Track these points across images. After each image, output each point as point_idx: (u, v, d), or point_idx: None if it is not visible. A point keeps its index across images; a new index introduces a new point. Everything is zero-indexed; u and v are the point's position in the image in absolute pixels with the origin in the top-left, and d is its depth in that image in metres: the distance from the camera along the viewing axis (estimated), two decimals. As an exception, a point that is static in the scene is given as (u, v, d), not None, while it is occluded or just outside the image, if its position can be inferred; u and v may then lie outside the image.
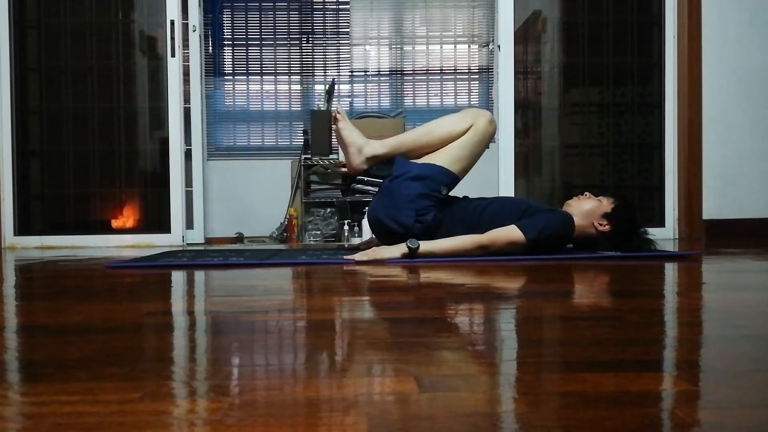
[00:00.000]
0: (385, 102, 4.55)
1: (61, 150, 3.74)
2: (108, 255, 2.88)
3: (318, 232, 4.05)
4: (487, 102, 4.53)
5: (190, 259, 2.32)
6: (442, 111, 4.54)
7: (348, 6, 4.51)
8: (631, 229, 2.35)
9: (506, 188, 3.66)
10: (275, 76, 4.50)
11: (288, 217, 4.08)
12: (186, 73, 3.99)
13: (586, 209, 2.35)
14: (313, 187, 4.11)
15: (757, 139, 3.62)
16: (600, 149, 3.91)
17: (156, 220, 3.77)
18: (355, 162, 2.36)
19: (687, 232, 3.63)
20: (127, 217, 3.82)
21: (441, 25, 4.56)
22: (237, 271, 2.02)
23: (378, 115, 4.31)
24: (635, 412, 0.62)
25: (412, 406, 0.64)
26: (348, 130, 2.36)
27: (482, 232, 2.22)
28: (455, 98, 4.56)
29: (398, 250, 2.18)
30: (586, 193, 2.42)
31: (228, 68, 4.50)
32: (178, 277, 1.94)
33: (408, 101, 4.55)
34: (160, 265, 2.21)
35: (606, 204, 2.35)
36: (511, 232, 2.19)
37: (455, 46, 4.56)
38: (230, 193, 4.32)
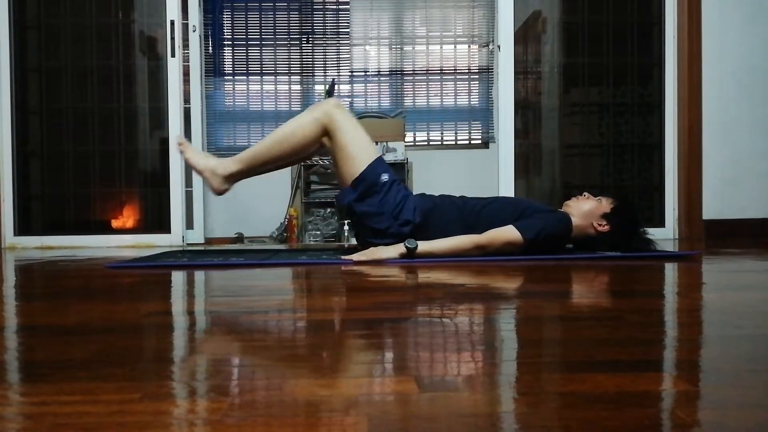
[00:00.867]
0: (385, 102, 4.55)
1: (61, 150, 3.74)
2: (108, 255, 2.88)
3: (318, 232, 4.05)
4: (487, 102, 4.53)
5: (190, 260, 2.32)
6: (442, 111, 4.54)
7: (348, 6, 4.51)
8: (630, 229, 2.35)
9: (506, 188, 3.66)
10: (275, 76, 4.51)
11: (288, 217, 4.08)
12: (186, 73, 3.99)
13: (585, 209, 2.35)
14: (313, 187, 4.11)
15: (757, 139, 3.63)
16: (600, 149, 3.91)
17: (156, 220, 3.77)
18: (215, 185, 2.31)
19: (687, 232, 3.63)
20: (127, 217, 3.82)
21: (441, 25, 4.56)
22: (237, 271, 2.01)
23: (378, 115, 4.31)
24: (635, 412, 0.62)
25: (412, 406, 0.64)
26: (196, 157, 2.32)
27: (480, 232, 2.22)
28: (455, 98, 4.56)
29: (396, 250, 2.19)
30: (585, 193, 2.42)
31: (228, 68, 4.50)
32: (178, 278, 1.94)
33: (408, 101, 4.55)
34: (160, 266, 2.21)
35: (605, 204, 2.35)
36: (508, 233, 2.20)
37: (455, 46, 4.56)
38: (230, 193, 4.31)
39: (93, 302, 1.42)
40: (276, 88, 4.52)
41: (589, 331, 1.00)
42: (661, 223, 3.71)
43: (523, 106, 4.18)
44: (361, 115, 4.30)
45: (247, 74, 4.51)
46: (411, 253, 2.16)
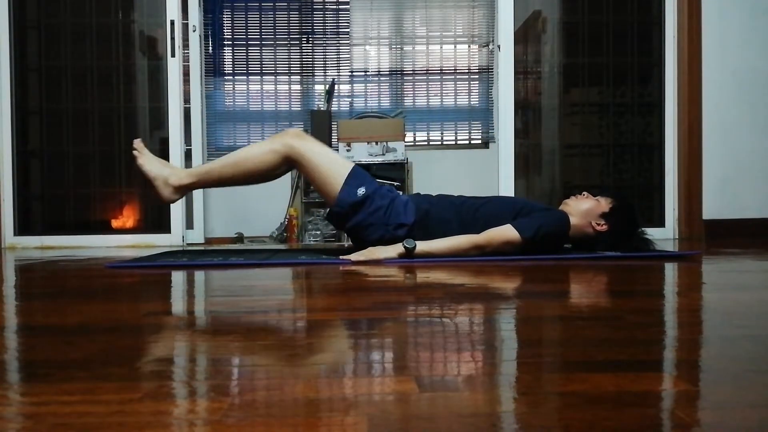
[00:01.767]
0: (385, 102, 4.55)
1: (61, 150, 3.74)
2: (108, 255, 2.88)
3: (318, 232, 4.05)
4: (487, 102, 4.53)
5: (190, 259, 2.32)
6: (442, 111, 4.54)
7: (348, 6, 4.51)
8: (628, 229, 2.35)
9: (506, 188, 3.66)
10: (275, 76, 4.50)
11: (288, 217, 4.08)
12: (186, 73, 3.99)
13: (583, 209, 2.35)
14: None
15: (756, 139, 3.62)
16: (600, 149, 3.91)
17: (156, 220, 3.77)
18: (165, 194, 2.30)
19: (687, 232, 3.63)
20: (127, 217, 3.82)
21: (441, 25, 4.56)
22: (237, 271, 2.02)
23: (378, 115, 4.31)
24: (635, 412, 0.62)
25: (412, 406, 0.64)
26: (149, 163, 2.31)
27: (478, 231, 2.22)
28: (455, 98, 4.56)
29: (395, 250, 2.19)
30: (584, 192, 2.42)
31: (228, 68, 4.49)
32: (178, 277, 1.94)
33: (408, 101, 4.55)
34: (160, 265, 2.21)
35: (604, 204, 2.35)
36: (506, 232, 2.20)
37: (455, 46, 4.56)
38: (230, 193, 4.32)
39: (93, 302, 1.42)
40: (276, 88, 4.51)
41: (589, 331, 1.00)
42: (661, 223, 3.71)
43: (523, 106, 4.18)
44: (361, 115, 4.30)
45: (247, 74, 4.50)
46: (409, 253, 2.16)
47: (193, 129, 4.12)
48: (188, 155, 3.96)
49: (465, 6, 4.54)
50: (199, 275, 1.98)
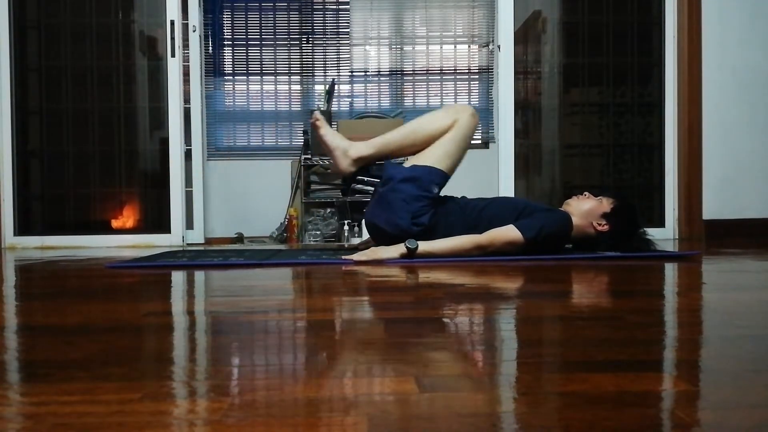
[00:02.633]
0: (385, 102, 4.55)
1: (61, 150, 3.74)
2: (108, 255, 2.88)
3: (318, 232, 4.05)
4: (487, 102, 4.53)
5: (190, 260, 2.32)
6: (442, 111, 4.54)
7: (348, 6, 4.51)
8: (630, 229, 2.35)
9: (506, 188, 3.66)
10: (275, 76, 4.50)
11: (288, 217, 4.08)
12: (186, 73, 3.98)
13: (585, 209, 2.35)
14: (313, 187, 4.11)
15: (756, 139, 3.62)
16: (600, 149, 3.91)
17: (156, 220, 3.77)
18: (342, 165, 2.36)
19: (687, 232, 3.63)
20: (127, 218, 3.82)
21: (441, 26, 4.56)
22: (237, 271, 2.02)
23: (378, 115, 4.31)
24: (635, 412, 0.62)
25: (412, 406, 0.64)
26: (330, 135, 2.36)
27: (481, 232, 2.22)
28: (455, 98, 4.56)
29: (397, 250, 2.19)
30: (586, 192, 2.42)
31: (228, 68, 4.49)
32: (178, 278, 1.94)
33: (408, 101, 4.55)
34: (160, 266, 2.21)
35: (605, 204, 2.35)
36: (509, 232, 2.20)
37: (455, 47, 4.56)
38: (230, 193, 4.32)
39: (93, 302, 1.42)
40: (276, 88, 4.51)
41: (589, 331, 1.00)
42: (661, 223, 3.71)
43: (523, 106, 4.17)
44: (361, 115, 4.30)
45: (247, 74, 4.50)
46: (411, 254, 2.16)
47: (193, 129, 4.12)
48: (188, 155, 3.96)
49: (465, 6, 4.54)
50: (199, 275, 1.98)
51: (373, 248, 2.24)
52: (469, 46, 4.56)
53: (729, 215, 3.60)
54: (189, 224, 3.94)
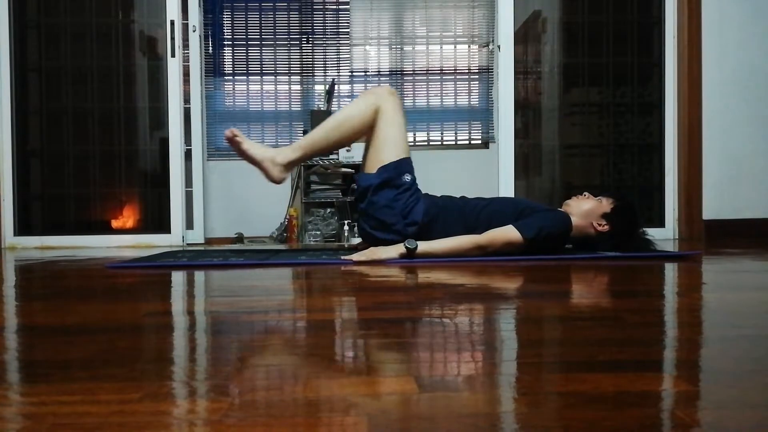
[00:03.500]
0: (385, 102, 4.54)
1: (61, 150, 3.74)
2: (108, 255, 2.88)
3: (318, 232, 4.05)
4: (487, 102, 4.53)
5: (190, 260, 2.32)
6: (442, 111, 4.54)
7: (348, 6, 4.51)
8: (630, 229, 2.35)
9: (506, 188, 3.66)
10: (275, 76, 4.50)
11: (288, 217, 4.08)
12: (186, 74, 3.99)
13: (585, 209, 2.35)
14: (313, 187, 4.11)
15: (757, 139, 3.62)
16: (600, 149, 3.91)
17: (156, 220, 3.77)
18: (273, 174, 2.32)
19: (687, 233, 3.63)
20: (127, 218, 3.82)
21: (441, 26, 4.56)
22: (237, 271, 2.01)
23: (378, 115, 4.30)
24: (635, 412, 0.62)
25: (412, 406, 0.64)
26: (253, 147, 2.32)
27: (480, 232, 2.22)
28: (455, 98, 4.56)
29: (396, 250, 2.19)
30: (586, 193, 2.42)
31: (228, 68, 4.49)
32: (177, 278, 1.94)
33: (408, 101, 4.55)
34: (160, 266, 2.21)
35: (605, 204, 2.35)
36: (508, 232, 2.20)
37: (455, 47, 4.56)
38: (230, 193, 4.32)
39: (93, 302, 1.42)
40: (276, 88, 4.51)
41: (589, 331, 1.00)
42: (661, 223, 3.71)
43: (523, 106, 4.17)
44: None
45: (247, 74, 4.50)
46: (411, 254, 2.16)
47: (193, 129, 4.12)
48: (188, 155, 3.96)
49: (465, 6, 4.54)
50: (199, 275, 1.97)
51: (372, 248, 2.24)
52: (469, 46, 4.56)
53: (729, 215, 3.60)
54: (189, 224, 3.95)
